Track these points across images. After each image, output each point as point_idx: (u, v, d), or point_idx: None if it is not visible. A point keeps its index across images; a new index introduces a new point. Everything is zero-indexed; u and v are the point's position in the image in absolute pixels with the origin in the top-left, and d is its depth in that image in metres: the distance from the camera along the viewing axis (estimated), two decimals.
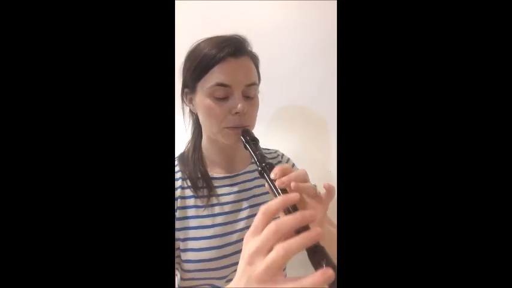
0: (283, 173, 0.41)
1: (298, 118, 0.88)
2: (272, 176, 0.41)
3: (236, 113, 0.54)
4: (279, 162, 0.71)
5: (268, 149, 0.74)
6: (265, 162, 0.45)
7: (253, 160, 0.49)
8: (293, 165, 0.74)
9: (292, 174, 0.41)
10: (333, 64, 0.44)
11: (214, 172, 0.64)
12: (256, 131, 0.60)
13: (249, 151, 0.51)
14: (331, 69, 0.53)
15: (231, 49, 0.54)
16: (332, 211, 0.88)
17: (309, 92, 0.86)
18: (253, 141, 0.52)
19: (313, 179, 0.76)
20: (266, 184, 0.43)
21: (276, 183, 0.40)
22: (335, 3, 0.43)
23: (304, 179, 0.42)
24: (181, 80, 0.60)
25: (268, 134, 0.86)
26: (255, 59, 0.60)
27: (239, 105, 0.53)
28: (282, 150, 0.76)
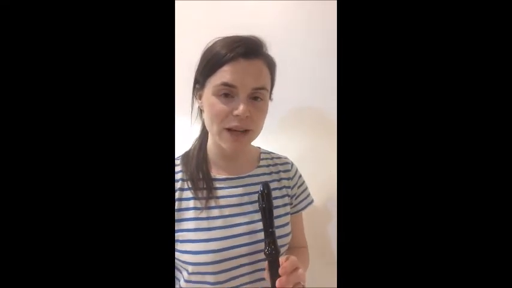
0: (289, 271, 0.49)
1: (305, 119, 0.87)
2: (280, 271, 0.48)
3: (237, 115, 0.54)
4: (287, 171, 0.70)
5: (279, 156, 0.73)
6: (272, 228, 0.50)
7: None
8: (300, 176, 0.72)
9: (292, 279, 0.49)
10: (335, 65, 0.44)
11: (217, 173, 0.64)
12: (262, 132, 0.60)
13: (261, 210, 0.51)
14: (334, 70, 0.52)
15: (243, 50, 0.54)
16: (332, 211, 0.88)
17: (316, 93, 0.85)
18: (268, 200, 0.51)
19: (318, 181, 0.75)
20: (266, 264, 0.51)
21: (277, 283, 0.48)
22: (335, 3, 0.43)
23: (302, 279, 0.51)
24: (194, 75, 0.60)
25: (276, 134, 0.85)
26: (270, 63, 0.59)
27: (241, 107, 0.53)
28: (289, 151, 0.75)
